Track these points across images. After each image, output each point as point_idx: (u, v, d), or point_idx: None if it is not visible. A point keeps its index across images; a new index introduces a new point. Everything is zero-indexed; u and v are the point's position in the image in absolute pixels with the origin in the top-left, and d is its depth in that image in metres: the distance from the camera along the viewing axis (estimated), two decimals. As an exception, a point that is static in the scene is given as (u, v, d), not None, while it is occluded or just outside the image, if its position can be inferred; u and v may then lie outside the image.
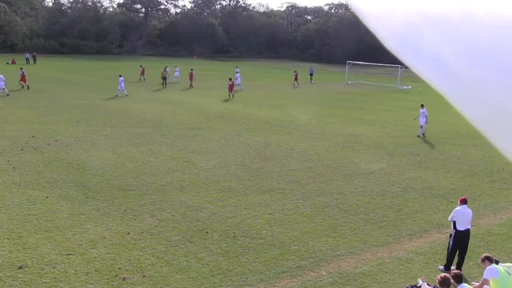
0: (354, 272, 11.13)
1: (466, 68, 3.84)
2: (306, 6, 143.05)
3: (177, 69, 54.94)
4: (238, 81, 48.42)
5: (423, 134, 27.04)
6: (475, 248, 12.48)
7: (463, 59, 3.85)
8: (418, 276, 10.60)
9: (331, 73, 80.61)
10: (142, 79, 53.87)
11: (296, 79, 56.86)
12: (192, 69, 50.78)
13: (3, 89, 37.86)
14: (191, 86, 48.96)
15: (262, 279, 10.60)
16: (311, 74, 64.08)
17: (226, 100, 40.11)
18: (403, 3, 4.27)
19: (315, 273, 10.96)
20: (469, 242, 11.52)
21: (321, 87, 56.18)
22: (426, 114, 27.02)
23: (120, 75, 41.74)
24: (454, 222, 11.36)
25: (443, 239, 12.99)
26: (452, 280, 8.19)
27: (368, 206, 15.60)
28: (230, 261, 11.39)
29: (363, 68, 75.80)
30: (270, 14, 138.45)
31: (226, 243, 12.33)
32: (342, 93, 51.16)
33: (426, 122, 27.02)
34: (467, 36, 3.87)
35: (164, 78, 48.50)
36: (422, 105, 27.49)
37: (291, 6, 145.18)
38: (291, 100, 42.62)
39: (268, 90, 50.63)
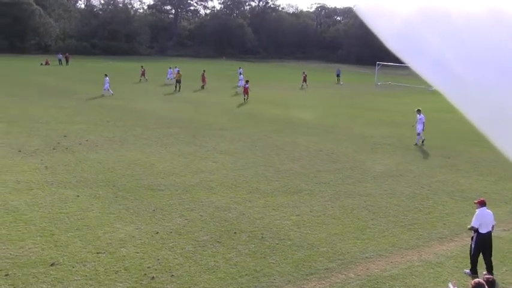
0: (382, 275, 11.00)
1: (466, 68, 3.79)
2: (335, 7, 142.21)
3: (177, 69, 52.70)
4: (241, 83, 45.73)
5: (422, 141, 24.97)
6: (508, 253, 12.21)
7: (464, 60, 3.81)
8: (449, 281, 10.40)
9: (360, 74, 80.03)
10: (144, 80, 52.72)
11: (304, 80, 55.11)
12: (204, 71, 49.89)
13: None
14: (202, 87, 48.07)
15: (290, 281, 10.56)
16: (338, 75, 63.75)
17: (245, 103, 38.97)
18: (404, 4, 4.23)
19: (343, 276, 10.87)
20: (503, 247, 11.28)
21: (350, 88, 55.80)
22: (424, 120, 24.93)
23: (106, 75, 41.07)
24: None
25: (474, 243, 12.73)
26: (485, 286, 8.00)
27: (397, 208, 15.41)
28: (258, 262, 11.38)
29: (393, 69, 74.90)
30: (299, 15, 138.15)
31: (254, 244, 12.32)
32: (371, 94, 50.72)
33: (423, 129, 24.93)
34: (468, 37, 3.83)
35: (178, 81, 45.90)
36: (419, 111, 25.35)
37: (320, 7, 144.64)
38: (318, 101, 42.44)
39: (295, 91, 50.54)
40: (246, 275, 10.74)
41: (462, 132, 27.77)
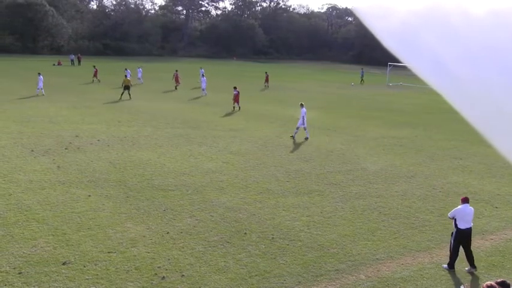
0: (393, 276, 10.95)
1: (464, 68, 3.77)
2: (346, 7, 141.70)
3: (140, 70, 51.39)
4: (204, 85, 42.92)
5: (306, 138, 25.25)
6: (520, 255, 12.14)
7: (462, 60, 3.79)
8: (461, 283, 10.35)
9: (371, 75, 79.70)
10: (96, 81, 50.24)
11: (267, 81, 53.43)
12: (176, 70, 48.74)
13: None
14: (176, 88, 46.77)
15: (300, 282, 10.55)
16: (362, 76, 64.15)
17: (233, 112, 33.97)
18: (401, 4, 4.22)
19: (354, 277, 10.84)
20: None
21: (361, 89, 55.62)
22: (303, 114, 25.15)
23: (39, 74, 39.43)
24: (455, 221, 11.36)
25: (487, 246, 12.66)
26: (497, 288, 7.92)
27: (409, 209, 15.33)
28: (268, 262, 11.38)
29: (404, 70, 74.49)
30: (310, 16, 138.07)
31: (264, 245, 12.32)
32: (382, 95, 50.51)
33: (304, 123, 25.19)
34: (466, 36, 3.81)
35: (127, 88, 38.45)
36: (301, 105, 25.83)
37: (331, 7, 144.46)
38: (329, 102, 42.33)
39: (306, 92, 50.45)
40: (256, 275, 10.74)
41: (475, 133, 27.60)
